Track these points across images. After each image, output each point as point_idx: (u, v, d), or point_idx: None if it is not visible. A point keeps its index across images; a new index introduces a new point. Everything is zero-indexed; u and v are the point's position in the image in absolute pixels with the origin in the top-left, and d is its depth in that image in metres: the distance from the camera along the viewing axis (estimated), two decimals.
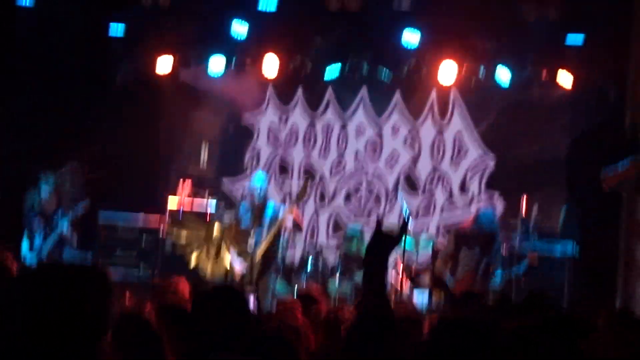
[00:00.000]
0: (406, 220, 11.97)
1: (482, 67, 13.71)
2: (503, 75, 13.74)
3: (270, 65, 14.31)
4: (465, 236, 10.85)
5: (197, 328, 4.00)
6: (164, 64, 14.54)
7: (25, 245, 12.03)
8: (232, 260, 10.71)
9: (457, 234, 11.04)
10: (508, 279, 11.18)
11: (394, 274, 12.40)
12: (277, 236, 11.04)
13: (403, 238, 3.15)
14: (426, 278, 10.48)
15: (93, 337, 2.48)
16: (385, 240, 3.27)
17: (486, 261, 10.64)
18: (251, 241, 10.96)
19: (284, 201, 14.43)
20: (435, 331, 3.56)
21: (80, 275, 2.55)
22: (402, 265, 12.03)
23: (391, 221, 13.91)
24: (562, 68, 13.47)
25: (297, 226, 11.20)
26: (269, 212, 11.10)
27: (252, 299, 10.37)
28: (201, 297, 4.23)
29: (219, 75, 14.69)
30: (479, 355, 3.30)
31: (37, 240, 12.02)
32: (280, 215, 10.95)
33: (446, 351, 3.35)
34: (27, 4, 14.03)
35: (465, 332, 3.37)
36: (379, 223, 3.36)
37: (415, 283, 10.72)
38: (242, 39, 14.15)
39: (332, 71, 14.41)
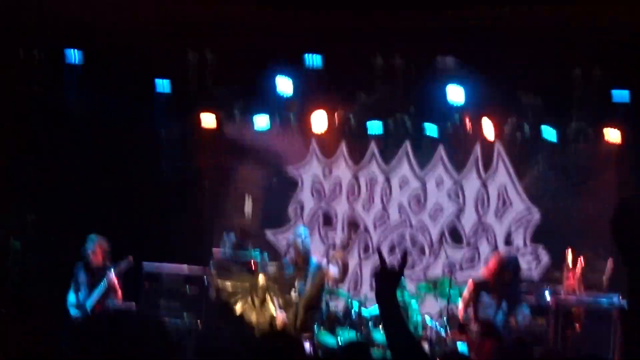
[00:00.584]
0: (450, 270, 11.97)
1: (526, 123, 13.68)
2: (548, 131, 13.72)
3: (318, 120, 14.42)
4: (484, 281, 10.76)
5: None
6: (209, 120, 14.69)
7: (71, 297, 12.13)
8: (276, 311, 10.71)
9: (476, 279, 10.98)
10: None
11: (440, 324, 12.37)
12: (320, 287, 11.03)
13: (404, 271, 3.16)
14: (475, 328, 10.37)
15: None
16: (391, 275, 3.27)
17: (506, 306, 10.53)
18: (294, 292, 10.97)
19: (327, 253, 14.46)
20: None
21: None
22: (447, 316, 12.01)
23: (435, 273, 13.94)
24: (609, 125, 13.41)
25: (342, 268, 11.16)
26: (312, 263, 11.11)
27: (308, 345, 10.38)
28: None
29: (264, 130, 14.83)
30: None
31: (82, 294, 12.12)
32: (324, 265, 10.96)
33: None
34: (76, 62, 14.22)
35: None
36: (382, 259, 3.36)
37: (464, 332, 10.60)
38: (287, 96, 14.25)
39: (376, 126, 14.48)
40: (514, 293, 10.60)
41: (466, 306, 10.95)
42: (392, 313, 3.60)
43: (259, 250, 13.52)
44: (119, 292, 12.14)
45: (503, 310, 10.49)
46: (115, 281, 12.00)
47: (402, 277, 3.79)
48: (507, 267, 10.59)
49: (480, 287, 10.77)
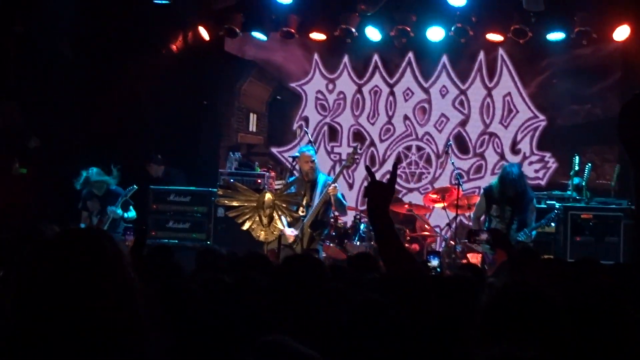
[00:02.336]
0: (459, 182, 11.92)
1: (529, 27, 13.47)
2: (552, 33, 13.53)
3: (319, 34, 14.28)
4: (494, 193, 10.69)
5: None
6: (208, 33, 14.49)
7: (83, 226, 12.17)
8: (283, 228, 10.70)
9: (487, 193, 10.89)
10: (541, 231, 11.07)
11: (450, 234, 12.39)
12: (327, 203, 11.01)
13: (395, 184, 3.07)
14: (484, 236, 10.34)
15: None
16: (382, 190, 3.19)
17: (519, 218, 10.51)
18: (302, 209, 10.96)
19: (334, 167, 14.45)
20: (501, 295, 3.41)
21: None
22: (455, 225, 12.02)
23: (441, 183, 13.92)
24: (612, 21, 13.21)
25: (338, 205, 11.12)
26: (320, 180, 11.07)
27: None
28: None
29: (265, 45, 14.69)
30: (551, 322, 3.20)
31: (94, 220, 12.16)
32: (327, 186, 10.91)
33: (512, 318, 3.23)
34: None
35: (537, 297, 3.25)
36: (371, 174, 3.28)
37: (473, 242, 10.58)
38: (286, 5, 14.03)
39: (378, 38, 14.30)
40: (522, 204, 10.56)
41: (478, 218, 10.95)
42: (386, 228, 3.53)
43: (265, 169, 13.51)
44: (131, 214, 12.20)
45: (513, 222, 10.48)
46: (119, 214, 12.03)
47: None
48: (512, 179, 10.52)
49: (490, 199, 10.72)
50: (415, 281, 3.47)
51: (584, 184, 12.36)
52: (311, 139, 12.82)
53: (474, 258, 11.81)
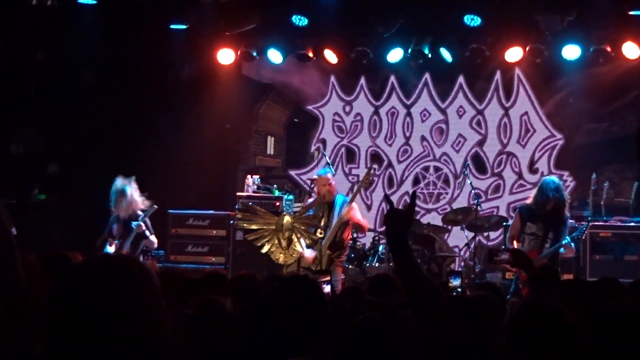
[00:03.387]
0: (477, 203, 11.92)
1: (545, 47, 13.49)
2: (568, 52, 13.53)
3: (335, 56, 14.32)
4: (529, 211, 10.59)
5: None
6: (226, 57, 14.57)
7: (107, 250, 12.18)
8: (302, 250, 10.72)
9: (522, 211, 10.79)
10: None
11: (469, 255, 12.36)
12: (345, 224, 11.00)
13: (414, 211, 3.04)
14: (505, 256, 10.27)
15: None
16: (400, 217, 3.21)
17: (553, 235, 10.40)
18: (321, 230, 10.96)
19: (352, 189, 14.47)
20: (521, 316, 3.42)
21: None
22: (474, 245, 12.00)
23: (460, 204, 13.90)
24: (628, 40, 13.20)
25: (356, 226, 11.11)
26: (338, 201, 11.08)
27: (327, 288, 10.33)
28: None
29: (282, 67, 14.76)
30: (566, 342, 3.21)
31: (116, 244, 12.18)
32: (345, 208, 10.91)
33: (532, 338, 3.24)
34: (90, 1, 14.05)
35: (555, 317, 3.26)
36: (390, 202, 3.30)
37: (495, 262, 10.52)
38: (302, 26, 14.05)
39: (395, 59, 14.34)
40: (560, 219, 10.41)
41: (512, 237, 10.75)
42: (405, 255, 3.57)
43: (283, 191, 13.54)
44: (152, 237, 12.14)
45: (550, 240, 10.36)
46: (144, 227, 11.97)
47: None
48: (553, 190, 10.38)
49: (525, 217, 10.57)
50: (434, 304, 3.50)
51: (602, 202, 12.34)
52: (329, 161, 12.85)
53: (495, 277, 11.80)
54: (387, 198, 3.85)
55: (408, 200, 3.63)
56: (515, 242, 10.55)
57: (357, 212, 11.08)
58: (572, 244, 10.31)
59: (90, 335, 2.37)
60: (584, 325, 3.32)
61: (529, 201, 10.71)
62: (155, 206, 12.01)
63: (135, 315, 2.41)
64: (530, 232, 10.48)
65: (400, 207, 3.69)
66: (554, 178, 10.81)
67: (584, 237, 11.19)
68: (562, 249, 10.30)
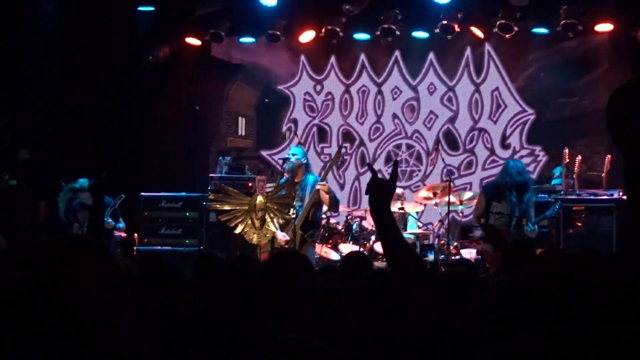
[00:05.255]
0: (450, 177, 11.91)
1: (516, 20, 13.47)
2: (537, 29, 13.54)
3: (305, 36, 14.27)
4: (493, 190, 10.63)
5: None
6: (194, 39, 14.48)
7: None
8: (276, 230, 10.69)
9: (486, 190, 10.84)
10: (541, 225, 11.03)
11: (442, 231, 12.36)
12: (316, 204, 10.94)
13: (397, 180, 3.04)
14: (478, 232, 10.30)
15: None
16: (383, 187, 3.17)
17: (519, 213, 10.44)
18: (293, 210, 10.91)
19: (324, 168, 14.43)
20: (508, 291, 3.40)
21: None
22: (447, 221, 11.99)
23: (433, 180, 13.90)
24: (599, 16, 13.22)
25: (329, 202, 11.04)
26: (309, 180, 11.02)
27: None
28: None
29: (248, 45, 14.67)
30: (552, 315, 3.20)
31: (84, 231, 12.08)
32: (317, 186, 10.85)
33: (522, 312, 3.23)
34: None
35: (542, 290, 3.25)
36: (373, 171, 3.25)
37: (468, 238, 10.55)
38: (272, 6, 13.95)
39: (364, 37, 14.30)
40: (524, 198, 10.47)
41: (478, 217, 10.81)
42: (387, 224, 3.53)
43: (255, 172, 13.49)
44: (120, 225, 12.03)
45: (516, 219, 10.41)
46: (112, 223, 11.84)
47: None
48: (516, 172, 10.46)
49: (489, 196, 10.62)
50: (418, 278, 3.47)
51: (574, 176, 12.37)
52: (301, 141, 12.80)
53: (468, 254, 11.81)
54: (370, 167, 3.81)
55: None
56: (481, 222, 10.66)
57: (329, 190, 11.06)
58: (536, 228, 10.38)
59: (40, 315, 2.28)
60: (567, 298, 3.32)
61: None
62: (123, 195, 11.89)
63: (78, 302, 2.32)
64: (496, 211, 10.51)
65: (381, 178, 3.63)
66: (517, 161, 10.88)
67: (558, 217, 11.24)
68: (530, 229, 10.34)
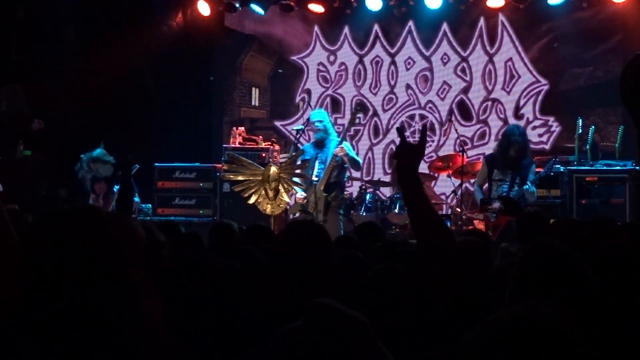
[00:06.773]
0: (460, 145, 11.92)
1: None
2: None
3: (319, 6, 14.26)
4: (494, 158, 10.73)
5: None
6: (208, 9, 14.46)
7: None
8: (289, 200, 10.75)
9: (488, 159, 10.94)
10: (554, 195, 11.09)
11: (456, 202, 12.40)
12: (339, 167, 10.91)
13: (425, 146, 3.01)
14: (496, 204, 10.35)
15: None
16: (413, 151, 3.12)
17: (520, 180, 10.49)
18: (315, 172, 10.91)
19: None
20: (532, 257, 3.37)
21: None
22: (460, 192, 12.02)
23: (446, 151, 13.90)
24: None
25: (352, 163, 11.04)
26: (332, 144, 11.00)
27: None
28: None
29: (262, 15, 14.64)
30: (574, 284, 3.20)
31: (100, 202, 12.17)
32: (334, 151, 10.85)
33: (543, 279, 3.21)
34: None
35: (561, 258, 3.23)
36: (402, 135, 3.19)
37: (487, 210, 10.59)
38: None
39: (377, 7, 14.27)
40: (523, 164, 10.54)
41: (480, 186, 10.98)
42: (415, 190, 3.46)
43: (269, 142, 13.51)
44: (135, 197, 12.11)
45: (517, 185, 10.49)
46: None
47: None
48: (516, 136, 10.53)
49: (491, 164, 10.75)
50: (443, 246, 3.42)
51: (588, 147, 12.37)
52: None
53: (481, 224, 11.84)
54: (399, 131, 3.75)
55: (394, 149, 3.53)
56: (482, 191, 10.80)
57: (351, 150, 11.12)
58: (533, 189, 10.40)
59: (61, 287, 2.32)
60: (589, 266, 3.32)
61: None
62: (137, 165, 11.93)
63: (110, 271, 2.35)
64: (498, 178, 10.62)
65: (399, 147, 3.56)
66: (517, 124, 10.94)
67: (552, 174, 11.24)
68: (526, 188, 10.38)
